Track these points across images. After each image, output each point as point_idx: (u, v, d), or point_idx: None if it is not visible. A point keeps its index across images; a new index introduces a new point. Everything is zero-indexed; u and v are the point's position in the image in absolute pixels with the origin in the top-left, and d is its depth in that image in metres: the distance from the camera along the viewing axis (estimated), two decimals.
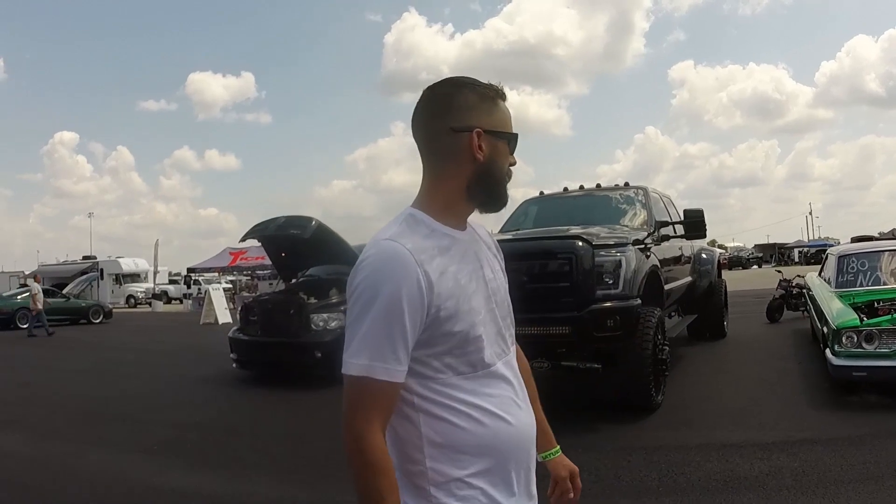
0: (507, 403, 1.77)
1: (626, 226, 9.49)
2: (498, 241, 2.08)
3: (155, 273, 47.62)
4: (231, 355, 12.12)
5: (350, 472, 1.61)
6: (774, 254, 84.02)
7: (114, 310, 34.10)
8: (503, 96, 1.84)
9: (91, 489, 6.20)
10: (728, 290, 14.38)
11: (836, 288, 9.77)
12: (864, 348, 7.43)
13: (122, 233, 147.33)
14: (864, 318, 7.75)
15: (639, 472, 5.84)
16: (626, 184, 11.19)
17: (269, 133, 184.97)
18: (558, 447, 2.18)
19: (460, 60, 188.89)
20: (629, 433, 7.05)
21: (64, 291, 36.17)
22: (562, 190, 11.72)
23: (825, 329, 8.37)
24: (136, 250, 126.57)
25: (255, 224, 12.74)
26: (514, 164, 1.85)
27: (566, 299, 7.43)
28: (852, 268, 10.02)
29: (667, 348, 8.13)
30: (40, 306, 25.02)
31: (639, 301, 7.66)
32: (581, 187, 11.57)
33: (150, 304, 44.26)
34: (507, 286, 1.95)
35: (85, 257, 59.38)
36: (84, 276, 50.08)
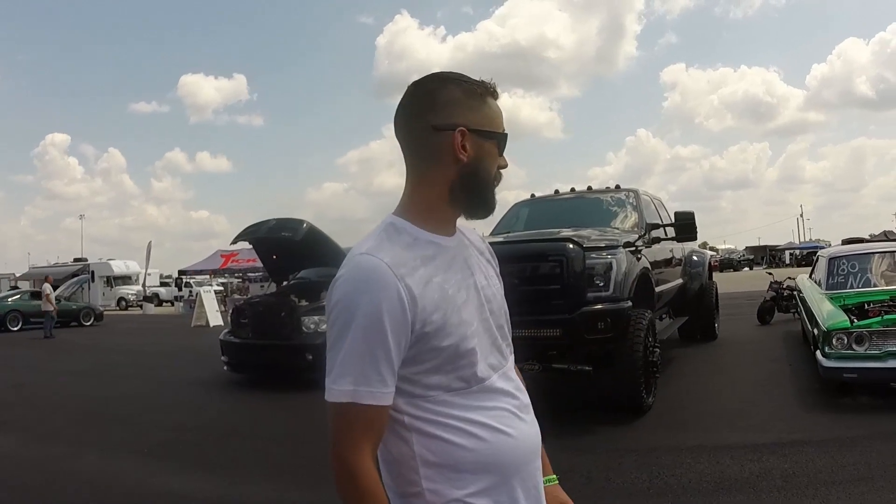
0: (507, 416, 1.65)
1: (618, 228, 9.50)
2: (489, 243, 1.97)
3: (146, 275, 47.52)
4: (222, 358, 12.09)
5: (340, 500, 1.54)
6: (765, 256, 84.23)
7: (105, 312, 34.03)
8: (494, 94, 1.72)
9: (87, 491, 6.19)
10: (719, 291, 14.44)
11: (826, 290, 9.79)
12: (854, 350, 7.45)
13: (113, 235, 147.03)
14: (855, 320, 7.78)
15: (630, 473, 5.85)
16: (618, 186, 11.20)
17: (261, 135, 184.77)
18: (554, 476, 2.02)
19: (452, 63, 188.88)
20: (620, 435, 7.06)
21: (55, 294, 36.08)
22: (553, 192, 11.72)
23: (816, 331, 8.40)
24: (127, 252, 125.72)
25: (247, 226, 12.71)
26: (504, 166, 1.73)
27: (557, 301, 7.44)
28: (843, 270, 10.05)
29: (658, 350, 8.13)
30: (53, 307, 25.05)
31: (629, 303, 7.67)
32: (572, 190, 11.56)
33: (141, 306, 44.15)
34: (503, 293, 1.85)
35: (76, 259, 59.17)
36: (75, 279, 49.78)
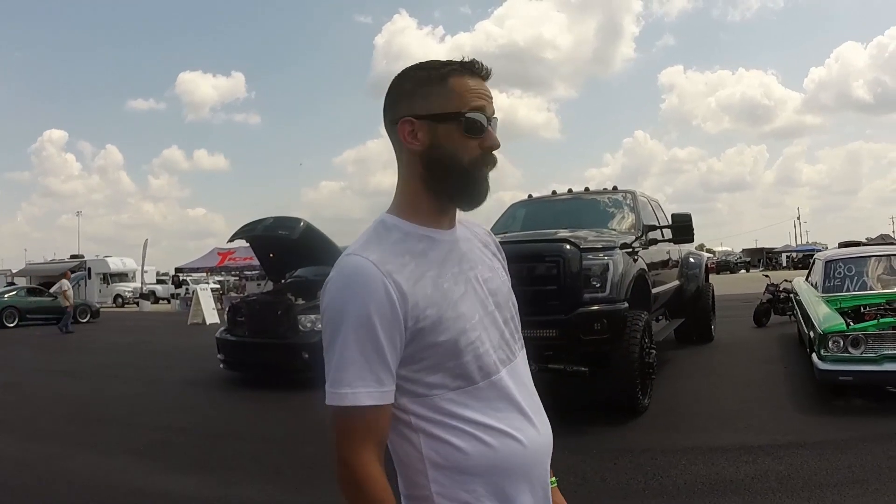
0: (516, 418, 1.61)
1: (615, 229, 9.50)
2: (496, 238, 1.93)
3: (143, 272, 47.48)
4: (218, 356, 12.07)
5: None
6: (762, 258, 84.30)
7: (101, 309, 33.98)
8: (461, 71, 1.62)
9: (77, 491, 6.16)
10: (716, 294, 14.43)
11: (822, 293, 9.80)
12: (850, 353, 7.45)
13: (109, 232, 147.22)
14: (851, 323, 7.79)
15: (625, 474, 5.86)
16: (615, 187, 11.19)
17: (258, 134, 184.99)
18: (554, 479, 1.93)
19: None
20: (616, 436, 7.07)
21: (51, 290, 36.05)
22: (550, 193, 11.72)
23: (812, 333, 8.40)
24: (123, 250, 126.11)
25: (244, 224, 12.73)
26: (490, 146, 1.61)
27: (553, 302, 7.45)
28: (839, 273, 10.07)
29: (654, 352, 8.15)
30: (70, 303, 25.14)
31: (626, 304, 7.68)
32: (569, 191, 11.55)
33: (137, 303, 44.16)
34: (510, 286, 1.80)
35: (73, 256, 59.12)
36: (72, 275, 49.87)
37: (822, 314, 8.43)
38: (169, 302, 46.53)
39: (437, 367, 1.56)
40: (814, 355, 7.85)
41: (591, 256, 7.70)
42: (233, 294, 36.01)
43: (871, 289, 9.50)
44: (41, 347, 20.24)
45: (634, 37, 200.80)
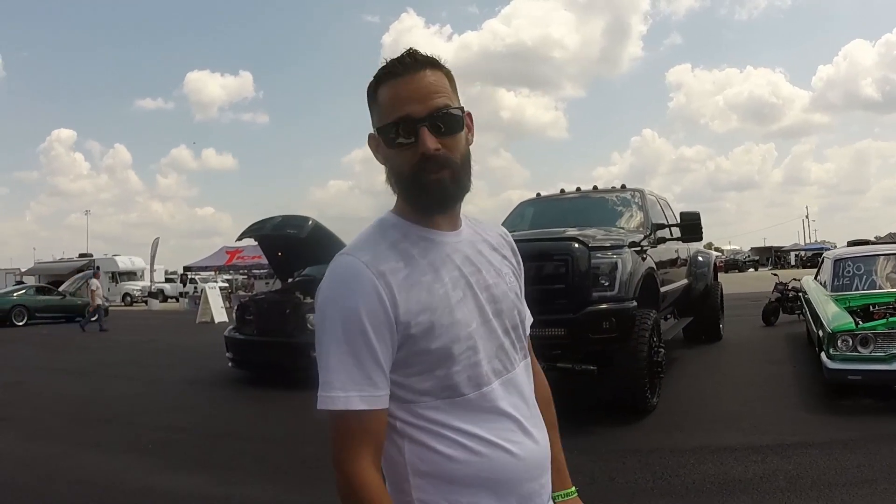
0: (508, 430, 1.57)
1: (623, 228, 9.49)
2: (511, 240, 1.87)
3: (152, 271, 47.60)
4: (227, 354, 12.09)
5: None
6: (771, 257, 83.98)
7: (110, 308, 34.04)
8: (384, 78, 1.56)
9: (80, 490, 6.17)
10: (724, 292, 14.41)
11: (831, 291, 9.77)
12: (859, 352, 7.43)
13: (117, 231, 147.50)
14: (860, 322, 7.76)
15: (633, 474, 5.85)
16: (623, 186, 11.18)
17: (266, 133, 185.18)
18: (574, 488, 1.95)
19: (458, 62, 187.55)
20: (624, 435, 7.06)
21: (60, 289, 36.14)
22: (558, 192, 11.72)
23: (820, 332, 8.38)
24: (131, 249, 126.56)
25: (252, 223, 12.75)
26: (426, 150, 1.49)
27: (562, 301, 7.44)
28: (848, 271, 10.03)
29: (662, 351, 8.14)
30: (100, 301, 25.23)
31: (634, 303, 7.67)
32: (578, 189, 11.54)
33: (146, 302, 44.28)
34: (519, 292, 1.75)
35: (81, 255, 59.27)
36: (80, 274, 49.93)
37: (831, 313, 8.40)
38: (177, 300, 46.61)
39: (427, 374, 1.52)
40: (822, 354, 7.83)
41: (599, 255, 7.69)
42: (241, 293, 36.06)
43: (881, 288, 9.45)
44: (48, 346, 20.30)
45: (642, 35, 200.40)
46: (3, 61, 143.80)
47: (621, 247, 7.97)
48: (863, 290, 9.54)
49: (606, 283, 7.57)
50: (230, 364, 12.04)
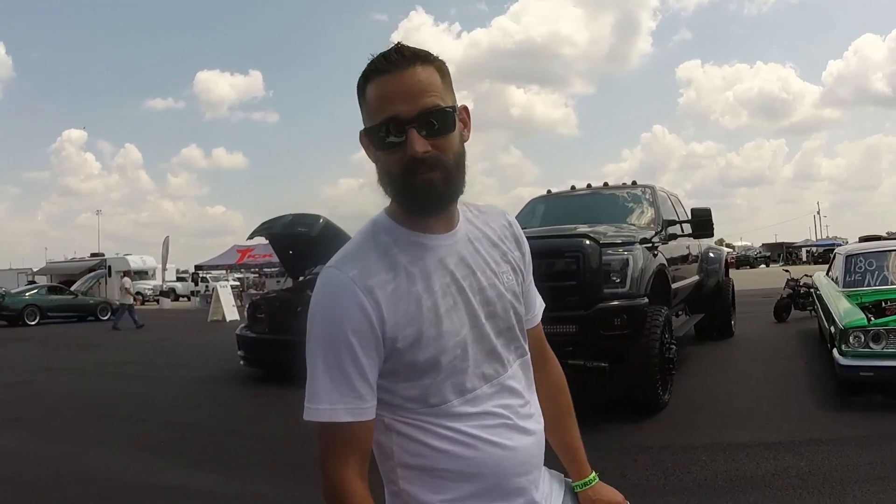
0: (495, 426, 1.56)
1: (634, 224, 9.48)
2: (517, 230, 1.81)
3: (163, 270, 47.74)
4: (238, 352, 12.14)
5: None
6: (782, 253, 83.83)
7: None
8: (370, 76, 1.50)
9: (94, 487, 6.21)
10: (735, 289, 14.40)
11: (843, 287, 9.74)
12: (871, 348, 7.40)
13: (128, 231, 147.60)
14: (872, 318, 7.74)
15: (644, 471, 5.85)
16: (634, 182, 11.17)
17: (277, 132, 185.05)
18: (594, 475, 1.98)
19: (467, 59, 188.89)
20: (635, 432, 7.06)
21: (72, 288, 36.30)
22: (569, 188, 11.73)
23: (832, 329, 8.35)
24: (142, 248, 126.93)
25: (263, 222, 12.81)
26: (413, 152, 1.45)
27: (573, 298, 7.43)
28: (860, 267, 9.99)
29: (674, 347, 8.13)
30: (131, 300, 25.45)
31: (646, 300, 7.66)
32: (588, 186, 11.55)
33: (157, 301, 44.45)
34: (517, 289, 1.70)
35: (93, 254, 59.49)
36: (91, 274, 50.19)
37: (843, 309, 8.37)
38: (189, 299, 46.77)
39: (414, 382, 1.52)
40: (834, 351, 7.80)
41: (610, 251, 7.69)
42: (252, 291, 36.11)
43: (893, 283, 9.41)
44: (60, 345, 20.41)
45: (651, 31, 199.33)
46: (13, 62, 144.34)
47: (632, 243, 7.96)
48: (875, 286, 9.51)
49: (618, 280, 7.57)
50: (242, 362, 12.08)
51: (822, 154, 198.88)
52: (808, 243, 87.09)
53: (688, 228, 10.07)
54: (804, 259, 75.29)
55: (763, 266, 72.18)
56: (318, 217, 12.10)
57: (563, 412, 1.93)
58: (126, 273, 28.59)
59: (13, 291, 31.44)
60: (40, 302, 29.39)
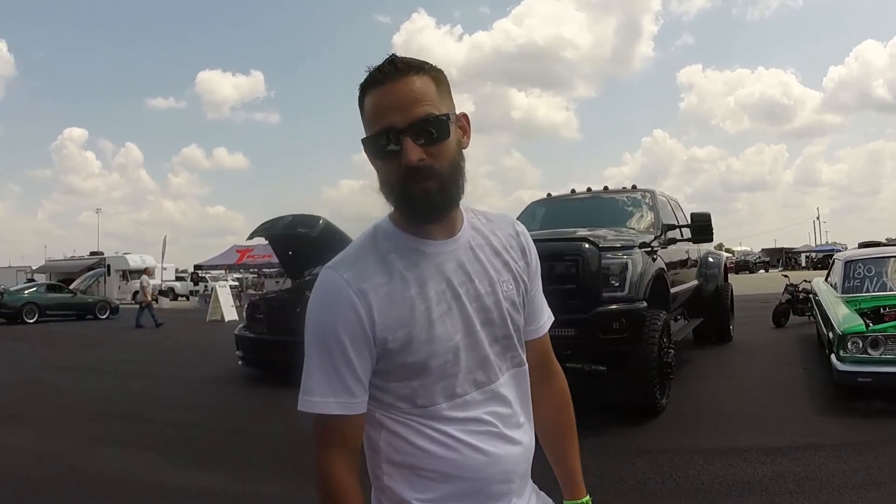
0: (482, 432, 1.58)
1: (633, 228, 9.49)
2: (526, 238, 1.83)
3: (162, 269, 47.70)
4: (237, 353, 12.15)
5: None
6: (782, 258, 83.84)
7: (120, 306, 34.21)
8: (368, 87, 1.54)
9: (95, 486, 6.22)
10: (734, 294, 14.40)
11: (842, 293, 9.76)
12: (869, 354, 7.41)
13: (129, 230, 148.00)
14: (870, 324, 7.74)
15: (642, 474, 5.86)
16: (634, 186, 11.18)
17: (278, 132, 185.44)
18: (587, 498, 1.96)
19: (469, 62, 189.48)
20: (633, 436, 7.07)
21: (71, 287, 36.31)
22: (569, 192, 11.73)
23: (831, 334, 8.37)
24: (143, 247, 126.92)
25: (263, 222, 12.83)
26: (408, 161, 1.48)
27: (572, 301, 7.42)
28: (859, 273, 10.01)
29: (672, 351, 8.13)
30: (150, 298, 25.61)
31: (645, 304, 7.67)
32: (589, 189, 11.53)
33: (156, 300, 44.39)
34: (517, 299, 1.70)
35: (92, 253, 59.50)
36: (91, 272, 50.22)
37: (842, 315, 8.39)
38: (188, 299, 46.79)
39: (405, 383, 1.56)
40: (833, 356, 7.82)
41: (609, 255, 7.70)
42: (251, 291, 36.11)
43: (891, 289, 9.43)
44: (59, 343, 20.41)
45: (653, 36, 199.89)
46: (15, 61, 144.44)
47: (632, 247, 7.97)
48: (873, 292, 9.52)
49: (617, 284, 7.58)
50: (240, 362, 12.10)
51: (823, 159, 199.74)
52: (808, 249, 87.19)
53: (687, 233, 10.09)
54: (803, 264, 75.35)
55: (762, 271, 72.19)
56: (318, 218, 12.11)
57: (565, 428, 1.94)
58: (145, 271, 28.45)
59: (12, 289, 31.39)
60: (39, 300, 29.38)
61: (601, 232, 8.40)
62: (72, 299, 31.40)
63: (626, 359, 7.59)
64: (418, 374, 1.55)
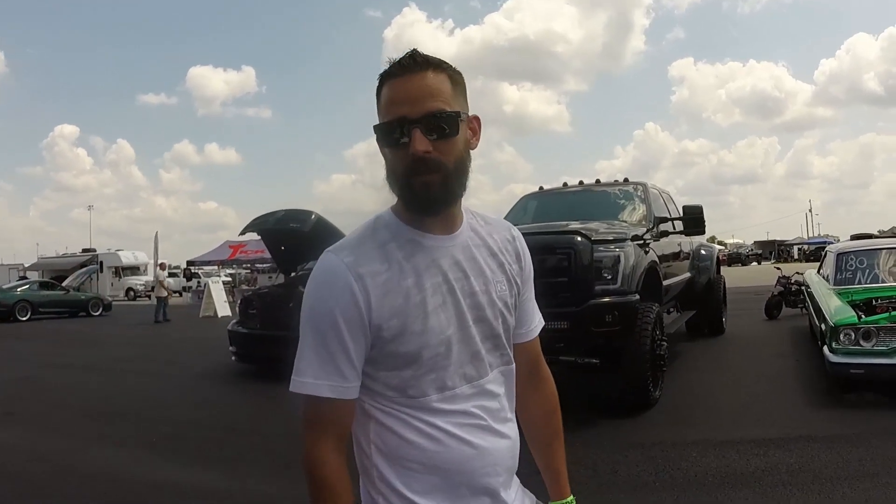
0: (471, 425, 1.61)
1: (626, 221, 9.48)
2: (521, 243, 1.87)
3: (155, 266, 47.62)
4: (230, 348, 12.14)
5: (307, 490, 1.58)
6: (774, 250, 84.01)
7: (113, 302, 34.14)
8: (385, 78, 1.58)
9: (90, 484, 6.19)
10: (727, 286, 14.43)
11: (834, 285, 9.78)
12: (861, 346, 7.43)
13: (121, 226, 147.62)
14: (862, 316, 7.76)
15: (636, 466, 5.86)
16: (626, 179, 11.16)
17: (270, 128, 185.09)
18: (571, 497, 1.96)
19: (460, 56, 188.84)
20: (626, 428, 7.08)
21: (63, 284, 36.22)
22: (561, 185, 11.72)
23: (823, 326, 8.38)
24: (135, 244, 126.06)
25: (256, 217, 12.80)
26: (415, 151, 1.51)
27: (564, 294, 7.42)
28: (851, 265, 10.04)
29: (665, 344, 8.14)
30: (166, 293, 25.60)
31: (637, 296, 7.68)
32: (580, 183, 11.54)
33: (149, 296, 44.30)
34: (510, 300, 1.75)
35: (85, 250, 59.35)
36: (83, 269, 50.09)
37: (834, 307, 8.40)
38: (181, 295, 46.64)
39: (395, 372, 1.58)
40: (825, 348, 7.83)
41: (602, 248, 7.69)
42: (244, 287, 36.06)
43: (883, 281, 9.47)
44: (54, 341, 20.33)
45: (644, 29, 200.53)
46: (6, 58, 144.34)
47: (624, 240, 7.97)
48: (865, 283, 9.55)
49: (609, 277, 7.58)
50: (233, 358, 12.09)
51: (814, 152, 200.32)
52: (800, 241, 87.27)
53: (679, 226, 10.08)
54: (796, 257, 75.37)
55: (755, 263, 72.25)
56: (310, 213, 12.09)
57: (553, 433, 1.97)
58: (160, 266, 28.47)
59: (4, 287, 31.40)
60: (32, 297, 29.30)
61: (593, 225, 8.39)
62: (65, 296, 31.31)
63: (618, 351, 7.59)
64: (409, 364, 1.57)
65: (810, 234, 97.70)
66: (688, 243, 11.71)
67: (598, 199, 10.60)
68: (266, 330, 11.61)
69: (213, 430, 8.24)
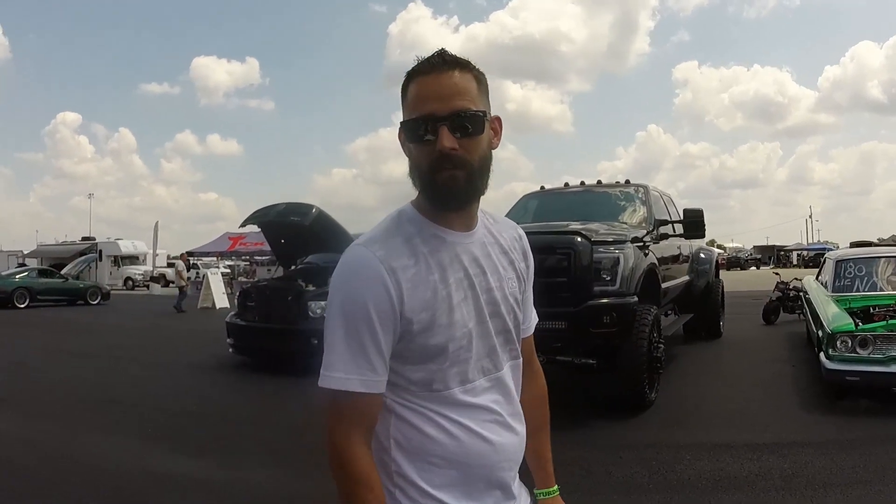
0: (488, 420, 1.66)
1: (626, 223, 9.49)
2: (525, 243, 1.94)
3: (154, 256, 47.62)
4: (228, 340, 12.13)
5: (335, 484, 1.59)
6: (773, 256, 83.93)
7: (111, 291, 34.11)
8: (414, 75, 1.62)
9: (82, 472, 6.21)
10: (725, 290, 14.44)
11: (832, 292, 9.78)
12: (858, 353, 7.43)
13: (121, 215, 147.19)
14: (859, 324, 7.76)
15: (630, 468, 5.87)
16: (627, 181, 11.17)
17: (272, 120, 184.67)
18: (556, 487, 2.04)
19: (464, 53, 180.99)
20: (622, 430, 7.08)
21: (62, 272, 36.20)
22: (562, 185, 11.73)
23: (820, 333, 8.39)
24: (135, 233, 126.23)
25: (256, 210, 12.81)
26: (443, 147, 1.55)
27: (563, 294, 7.43)
28: (850, 273, 10.04)
29: (662, 346, 8.15)
30: (185, 283, 25.87)
31: (635, 298, 7.68)
32: (582, 183, 11.55)
33: (147, 286, 44.32)
34: (519, 296, 1.82)
35: (84, 238, 59.28)
36: (82, 258, 49.98)
37: (831, 314, 8.41)
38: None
39: (420, 366, 1.61)
40: (821, 355, 7.83)
41: (601, 249, 7.70)
42: (243, 279, 36.08)
43: (882, 290, 9.47)
44: (51, 329, 20.33)
45: (649, 31, 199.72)
46: (10, 44, 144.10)
47: (624, 242, 7.98)
48: (864, 291, 9.56)
49: (608, 278, 7.58)
50: (231, 350, 12.08)
51: (816, 158, 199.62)
52: (800, 247, 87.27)
53: (679, 228, 10.08)
54: (795, 262, 75.37)
55: (753, 268, 72.22)
56: (311, 207, 12.11)
57: (541, 424, 2.03)
58: (181, 256, 28.56)
59: (3, 274, 31.32)
60: (30, 285, 29.29)
61: (593, 226, 8.40)
62: (63, 284, 31.30)
63: (615, 353, 7.60)
64: (436, 357, 1.60)
65: (810, 241, 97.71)
66: (687, 246, 11.72)
67: (598, 200, 10.60)
68: (264, 322, 11.62)
69: (206, 419, 8.27)
